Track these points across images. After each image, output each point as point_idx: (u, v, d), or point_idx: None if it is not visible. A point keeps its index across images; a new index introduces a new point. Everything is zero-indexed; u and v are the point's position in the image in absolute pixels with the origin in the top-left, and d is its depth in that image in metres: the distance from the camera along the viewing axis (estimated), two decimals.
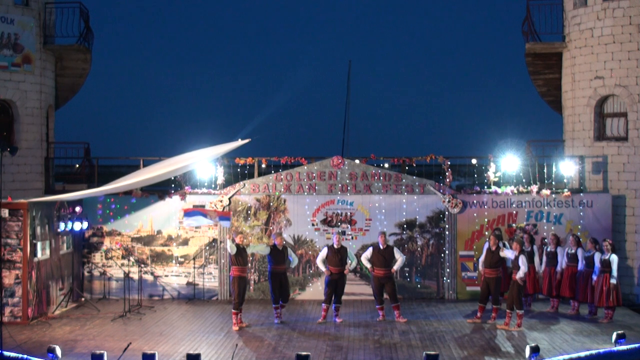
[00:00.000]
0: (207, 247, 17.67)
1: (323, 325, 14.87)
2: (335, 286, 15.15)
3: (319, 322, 15.03)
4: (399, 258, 15.29)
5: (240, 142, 16.29)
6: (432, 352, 11.49)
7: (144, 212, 17.75)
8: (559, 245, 16.09)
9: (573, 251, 15.71)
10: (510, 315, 14.47)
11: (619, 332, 12.87)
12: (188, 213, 15.88)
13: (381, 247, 15.24)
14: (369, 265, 15.35)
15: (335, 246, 15.20)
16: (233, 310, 14.65)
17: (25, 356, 12.20)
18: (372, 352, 12.78)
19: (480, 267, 15.34)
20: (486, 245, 15.35)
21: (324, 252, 15.22)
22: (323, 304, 15.23)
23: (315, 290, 17.54)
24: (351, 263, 15.40)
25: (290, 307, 16.18)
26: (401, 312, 15.33)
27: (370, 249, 15.45)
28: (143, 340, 13.55)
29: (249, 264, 16.53)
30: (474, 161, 18.20)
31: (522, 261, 14.31)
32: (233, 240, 14.86)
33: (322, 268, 15.21)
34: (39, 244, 15.44)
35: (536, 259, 15.96)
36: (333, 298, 15.19)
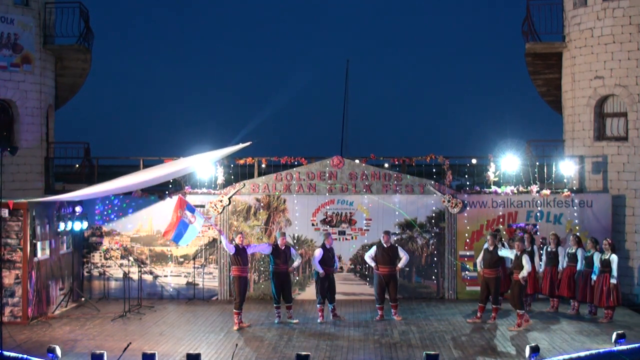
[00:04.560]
0: (207, 247, 17.68)
1: (323, 325, 14.88)
2: (328, 286, 15.17)
3: (319, 322, 15.03)
4: (404, 256, 15.32)
5: (240, 146, 16.29)
6: (432, 352, 11.49)
7: (143, 212, 17.75)
8: (559, 245, 16.09)
9: (573, 251, 15.71)
10: (520, 315, 14.46)
11: (619, 332, 12.87)
12: (173, 237, 15.47)
13: (385, 245, 15.25)
14: (373, 264, 15.34)
15: (327, 246, 15.23)
16: (235, 310, 14.67)
17: (25, 356, 12.20)
18: (372, 352, 12.78)
19: (479, 267, 15.34)
20: (485, 246, 15.34)
21: (319, 254, 15.20)
22: (318, 305, 15.22)
23: (315, 290, 17.51)
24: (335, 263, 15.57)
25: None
26: (399, 311, 15.38)
27: (374, 247, 15.47)
28: (143, 340, 13.55)
29: (249, 264, 16.52)
30: (474, 161, 18.21)
31: (527, 260, 14.31)
32: (232, 241, 14.85)
33: (320, 270, 15.17)
34: (39, 244, 15.44)
35: (536, 259, 15.95)
36: (328, 298, 15.23)
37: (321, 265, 15.10)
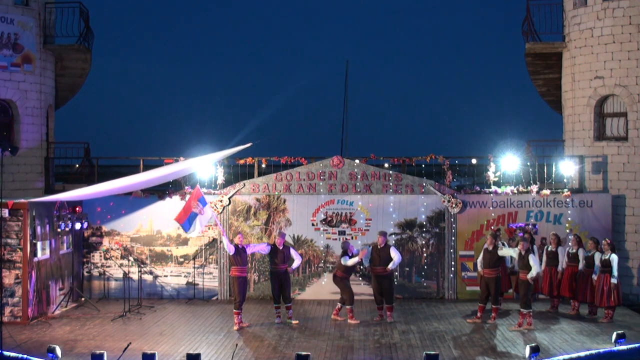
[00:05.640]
0: (207, 247, 17.68)
1: (323, 325, 14.89)
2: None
3: (354, 323, 15.00)
4: (395, 257, 15.19)
5: (240, 147, 16.30)
6: (432, 352, 11.49)
7: (143, 212, 17.76)
8: (559, 245, 16.08)
9: (574, 251, 15.71)
10: (531, 315, 14.46)
11: (619, 332, 12.88)
12: (183, 224, 15.51)
13: (379, 246, 15.25)
14: (367, 264, 15.43)
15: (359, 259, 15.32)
16: (234, 310, 14.68)
17: (25, 356, 12.20)
18: (372, 352, 12.78)
19: (480, 267, 15.33)
20: (485, 246, 15.33)
21: (353, 263, 15.23)
22: (351, 306, 15.16)
23: (315, 290, 17.56)
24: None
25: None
26: (393, 313, 15.22)
27: (370, 248, 15.49)
28: (143, 340, 13.55)
29: (249, 264, 16.54)
30: (474, 161, 18.20)
31: (534, 260, 14.29)
32: (231, 241, 14.85)
33: (365, 262, 15.27)
34: (39, 244, 15.44)
35: (536, 259, 15.95)
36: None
37: (345, 273, 15.15)
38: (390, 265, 15.19)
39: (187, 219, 15.19)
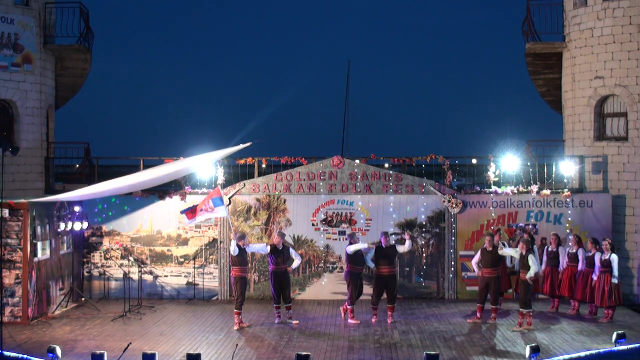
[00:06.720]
0: (207, 247, 17.68)
1: (323, 325, 14.88)
2: (360, 284, 15.39)
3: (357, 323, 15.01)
4: (403, 248, 15.25)
5: (241, 146, 16.30)
6: (432, 352, 11.49)
7: (143, 212, 17.76)
8: (560, 245, 16.07)
9: (574, 251, 15.72)
10: (531, 315, 14.45)
11: (619, 332, 12.87)
12: (192, 219, 15.62)
13: (384, 246, 15.23)
14: (372, 265, 15.35)
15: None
16: (235, 310, 14.68)
17: (25, 356, 12.21)
18: (372, 352, 12.78)
19: (475, 267, 15.30)
20: (484, 246, 15.31)
21: (371, 253, 15.25)
22: (352, 306, 15.17)
23: (315, 290, 17.56)
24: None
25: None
26: (394, 314, 15.23)
27: (373, 249, 15.44)
28: (143, 340, 13.55)
29: (249, 264, 16.54)
30: (474, 161, 18.21)
31: (533, 261, 14.29)
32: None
33: (371, 265, 15.31)
34: (39, 244, 15.44)
35: (536, 259, 15.94)
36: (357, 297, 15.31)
37: (356, 265, 15.11)
38: (407, 245, 15.15)
39: (197, 217, 15.32)
